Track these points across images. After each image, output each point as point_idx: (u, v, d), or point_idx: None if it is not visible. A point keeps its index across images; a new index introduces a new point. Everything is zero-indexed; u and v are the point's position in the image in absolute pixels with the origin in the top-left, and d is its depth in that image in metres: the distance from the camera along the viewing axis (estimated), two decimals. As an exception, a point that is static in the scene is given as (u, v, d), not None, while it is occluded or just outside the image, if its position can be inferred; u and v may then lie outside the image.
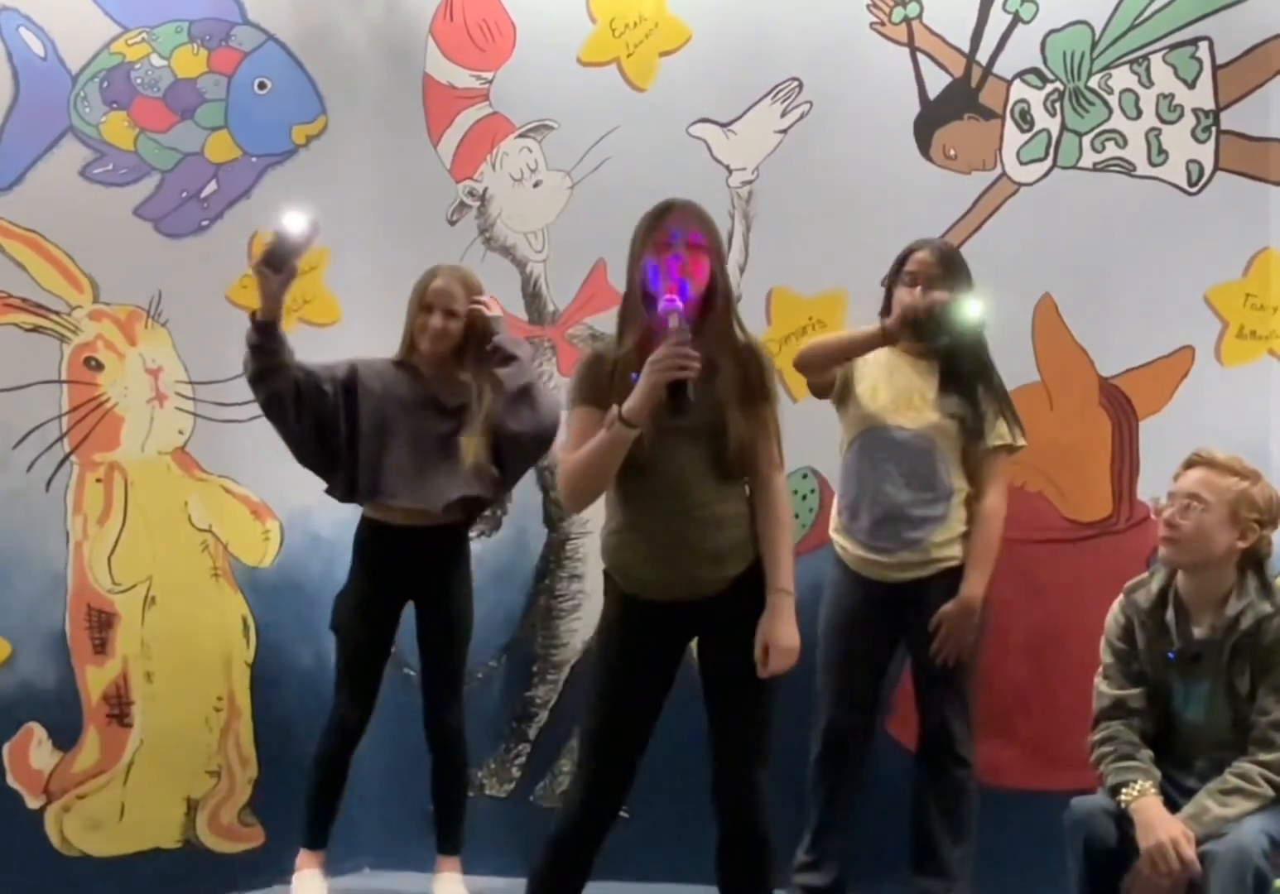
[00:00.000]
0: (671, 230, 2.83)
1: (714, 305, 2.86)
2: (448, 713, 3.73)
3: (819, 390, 3.62)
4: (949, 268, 3.51)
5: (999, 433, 3.53)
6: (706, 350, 2.75)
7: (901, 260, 3.55)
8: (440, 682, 3.73)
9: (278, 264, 3.38)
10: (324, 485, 3.72)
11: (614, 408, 2.73)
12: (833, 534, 3.66)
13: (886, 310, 3.57)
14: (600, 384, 2.84)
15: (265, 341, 3.47)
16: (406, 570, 3.66)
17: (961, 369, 3.53)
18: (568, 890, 2.94)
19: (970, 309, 3.28)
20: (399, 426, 3.65)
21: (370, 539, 3.72)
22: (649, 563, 2.85)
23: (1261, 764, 2.78)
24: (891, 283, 3.58)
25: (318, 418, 3.61)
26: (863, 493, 3.56)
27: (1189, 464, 2.99)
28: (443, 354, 3.71)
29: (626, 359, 2.82)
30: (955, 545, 3.52)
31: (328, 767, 3.69)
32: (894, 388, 3.57)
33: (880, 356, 3.60)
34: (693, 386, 2.67)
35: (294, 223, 3.37)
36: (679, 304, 2.71)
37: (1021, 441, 3.57)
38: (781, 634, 2.82)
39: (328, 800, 3.70)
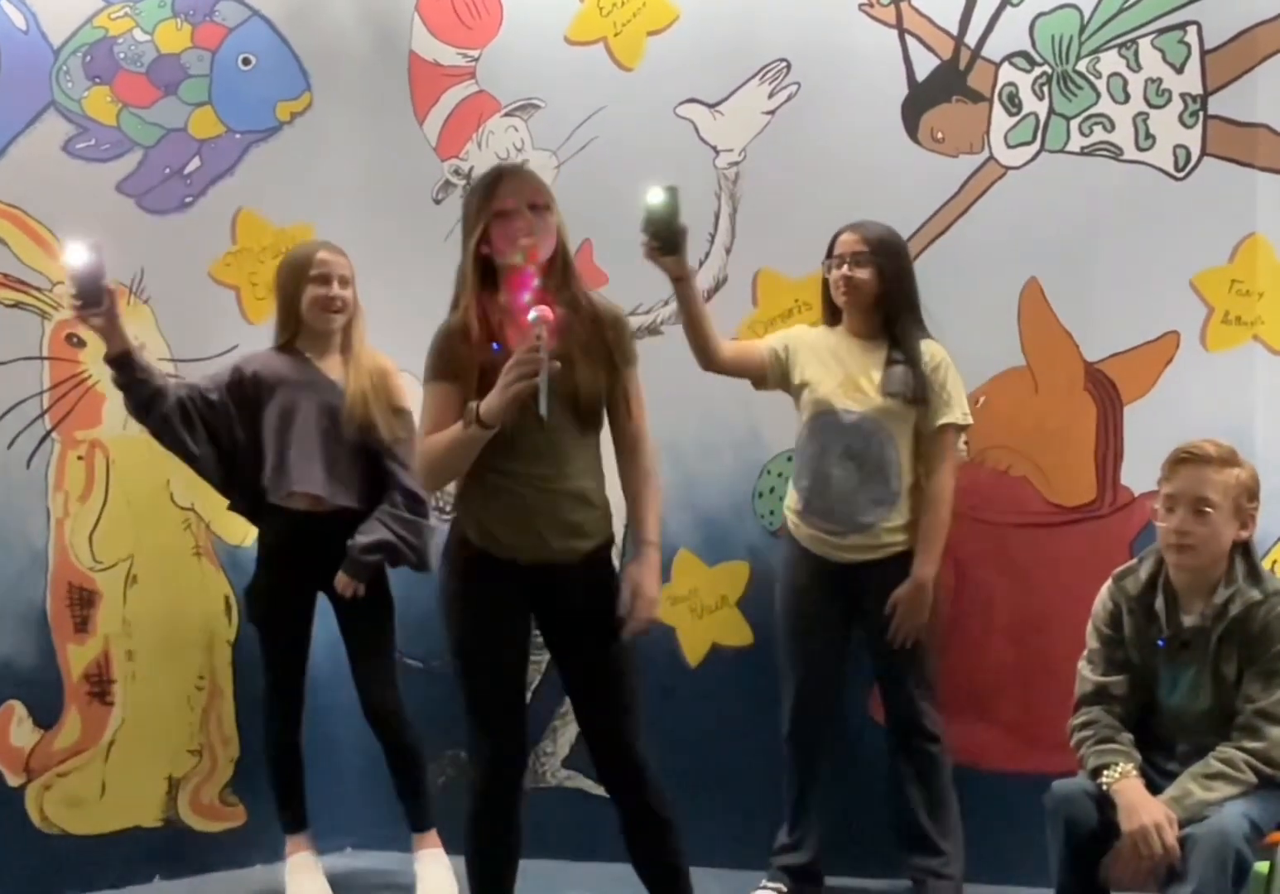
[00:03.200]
0: (508, 196, 2.82)
1: (558, 269, 2.85)
2: (380, 698, 3.71)
3: (755, 383, 3.68)
4: (876, 248, 3.54)
5: (944, 412, 3.55)
6: (559, 317, 2.73)
7: (831, 243, 3.61)
8: (368, 668, 3.72)
9: (91, 299, 3.29)
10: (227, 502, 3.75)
11: (471, 405, 2.73)
12: (786, 512, 3.69)
13: (825, 293, 3.66)
14: (449, 358, 2.83)
15: (129, 374, 3.45)
16: (315, 560, 3.64)
17: (904, 347, 3.54)
18: (507, 856, 2.95)
19: (650, 194, 3.09)
20: (299, 414, 3.64)
21: (277, 529, 3.70)
22: (503, 524, 2.85)
23: (1247, 751, 2.79)
24: (825, 266, 3.64)
25: (211, 431, 3.61)
26: (814, 476, 3.59)
27: (1179, 461, 2.93)
28: (334, 331, 3.69)
29: (461, 327, 2.82)
30: (903, 532, 3.55)
31: (279, 754, 3.72)
32: (841, 371, 3.59)
33: (829, 341, 3.64)
34: (546, 395, 2.63)
35: (75, 255, 3.25)
36: (548, 314, 2.66)
37: (968, 419, 3.58)
38: (647, 583, 2.82)
39: (290, 785, 3.73)
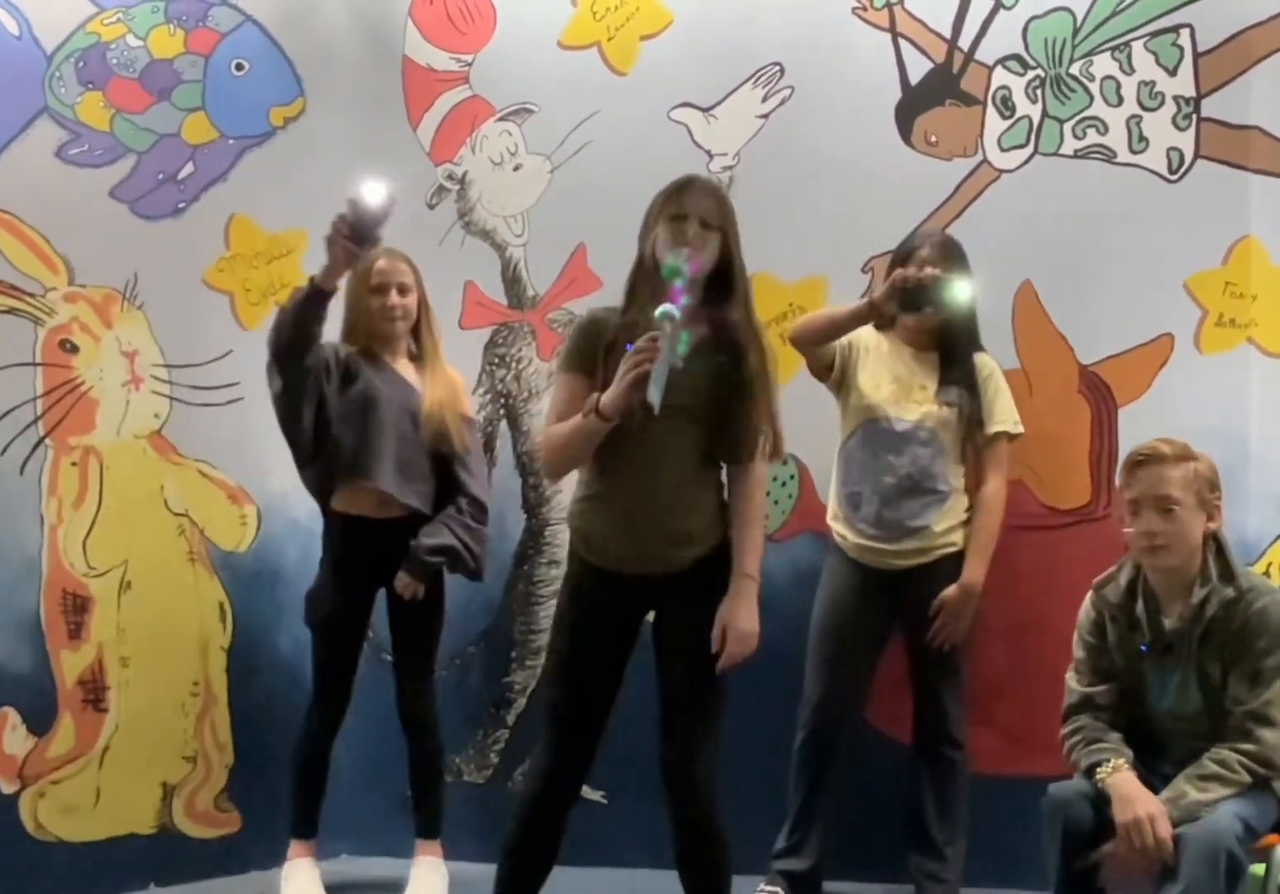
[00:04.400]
0: (687, 206, 2.83)
1: (732, 288, 2.85)
2: (420, 700, 3.73)
3: (816, 371, 3.63)
4: (947, 256, 3.52)
5: (998, 420, 3.56)
6: (716, 334, 2.76)
7: (906, 255, 3.56)
8: (412, 669, 3.73)
9: (361, 238, 3.25)
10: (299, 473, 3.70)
11: (593, 395, 2.73)
12: (831, 522, 3.68)
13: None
14: (592, 352, 2.83)
15: (316, 309, 3.40)
16: (378, 562, 3.64)
17: (959, 357, 3.54)
18: (538, 865, 2.94)
19: (959, 285, 3.25)
20: (379, 409, 3.63)
21: (340, 534, 3.69)
22: (615, 535, 2.85)
23: (1241, 753, 2.78)
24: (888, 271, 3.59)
25: (321, 401, 3.58)
26: (864, 483, 3.58)
27: (1135, 465, 2.92)
28: (400, 336, 3.69)
29: (628, 327, 2.80)
30: (956, 533, 3.56)
31: (311, 757, 3.70)
32: (895, 379, 3.58)
33: (883, 347, 3.62)
34: (659, 386, 2.63)
35: (373, 193, 3.22)
36: (676, 308, 2.66)
37: (1019, 429, 3.60)
38: (741, 618, 2.81)
39: (314, 791, 3.72)
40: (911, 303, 3.26)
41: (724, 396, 2.82)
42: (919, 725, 3.63)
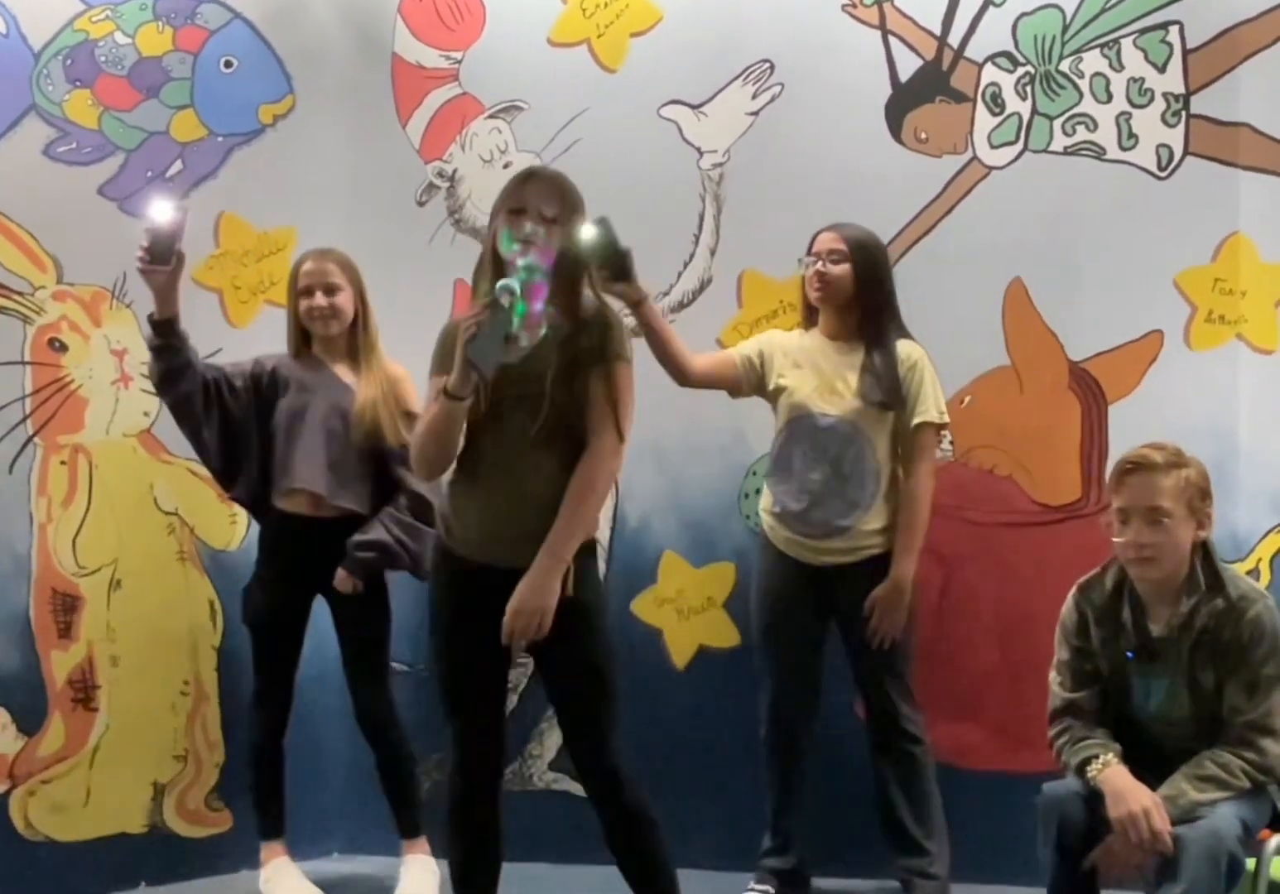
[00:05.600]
0: (524, 198, 2.84)
1: (558, 279, 2.81)
2: (373, 704, 3.71)
3: (733, 394, 3.68)
4: (855, 247, 3.54)
5: (920, 411, 3.55)
6: (552, 319, 2.75)
7: (811, 242, 3.61)
8: (362, 673, 3.72)
9: (161, 257, 3.31)
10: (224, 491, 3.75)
11: (441, 378, 2.76)
12: (762, 513, 3.69)
13: (804, 294, 3.66)
14: (450, 354, 2.81)
15: (167, 340, 3.45)
16: (313, 562, 3.63)
17: (880, 348, 3.54)
18: (487, 862, 2.95)
19: (581, 228, 3.01)
20: (308, 413, 3.64)
21: (276, 532, 3.70)
22: (472, 527, 2.85)
23: (1244, 760, 2.77)
24: (803, 265, 3.63)
25: (227, 418, 3.62)
26: (791, 479, 3.59)
27: (1125, 472, 2.86)
28: (335, 336, 3.70)
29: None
30: (881, 535, 3.55)
31: (263, 758, 3.71)
32: (818, 375, 3.59)
33: (806, 344, 3.64)
34: (485, 355, 2.64)
35: (160, 212, 3.29)
36: (512, 284, 2.65)
37: (944, 418, 3.58)
38: (522, 593, 2.77)
39: (272, 790, 3.72)
40: (612, 274, 3.16)
41: (569, 378, 2.81)
42: (872, 725, 3.62)
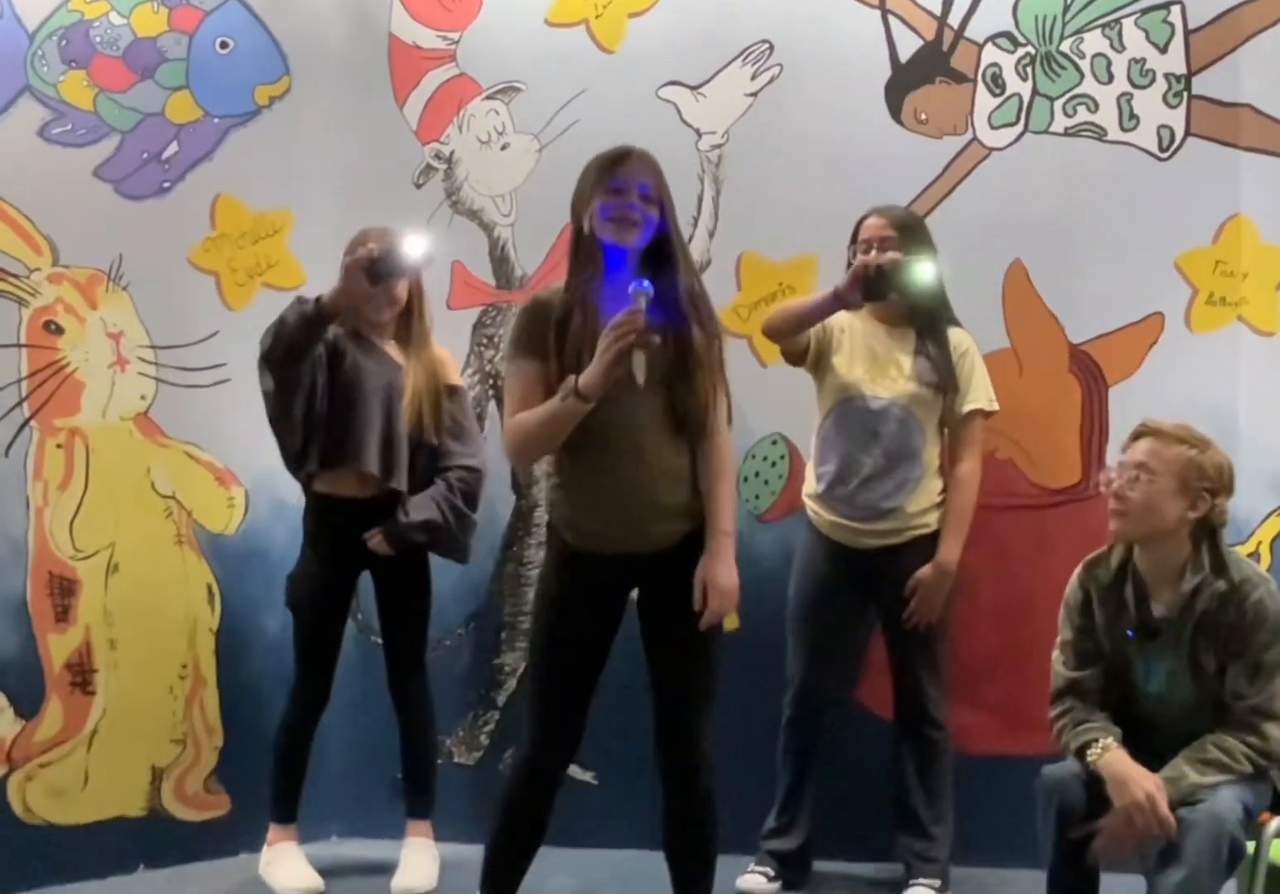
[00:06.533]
0: (623, 179, 2.82)
1: (672, 261, 2.82)
2: (412, 683, 3.72)
3: (791, 358, 3.61)
4: (904, 232, 3.52)
5: (973, 398, 3.55)
6: (666, 307, 2.74)
7: (856, 228, 3.57)
8: (402, 653, 3.73)
9: (378, 275, 3.28)
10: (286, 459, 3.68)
11: (570, 378, 2.71)
12: (806, 498, 3.67)
13: None
14: (541, 336, 2.79)
15: (318, 331, 3.40)
16: (357, 541, 3.62)
17: (933, 334, 3.53)
18: (526, 844, 2.93)
19: (922, 268, 3.21)
20: (363, 390, 3.61)
21: (320, 515, 3.68)
22: (599, 516, 2.82)
23: (1247, 744, 2.77)
24: (850, 251, 3.60)
25: (310, 396, 3.57)
26: (839, 462, 3.56)
27: (1136, 435, 2.93)
28: (388, 322, 3.68)
29: (577, 304, 2.78)
30: (930, 514, 3.55)
31: (294, 741, 3.69)
32: (870, 358, 3.57)
33: (856, 326, 3.60)
34: (641, 360, 2.65)
35: (414, 246, 3.26)
36: (649, 288, 2.67)
37: (995, 406, 3.58)
38: (720, 574, 2.80)
39: (295, 775, 3.71)
40: (876, 291, 3.21)
41: (683, 365, 2.79)
42: (899, 707, 3.63)
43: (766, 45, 3.96)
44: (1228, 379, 3.71)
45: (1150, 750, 2.83)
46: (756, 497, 3.89)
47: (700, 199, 3.98)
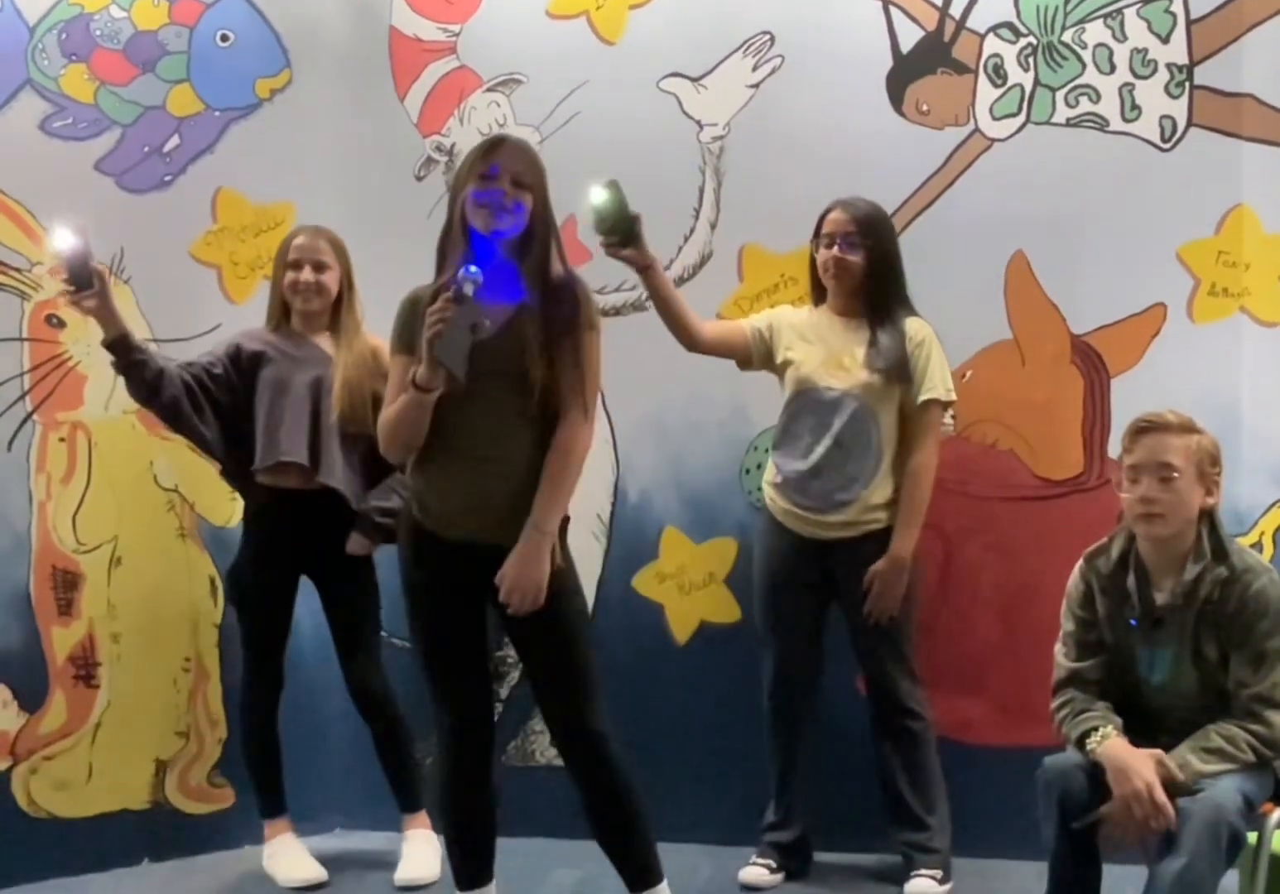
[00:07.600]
0: (494, 164, 2.82)
1: (530, 248, 2.82)
2: (367, 678, 3.72)
3: (741, 365, 3.66)
4: (865, 226, 3.52)
5: (928, 387, 3.53)
6: (527, 293, 2.76)
7: (820, 221, 3.59)
8: (351, 647, 3.73)
9: (82, 282, 3.29)
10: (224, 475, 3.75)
11: (412, 368, 2.73)
12: (764, 485, 3.68)
13: (813, 271, 3.63)
14: (412, 328, 2.80)
15: (128, 357, 3.43)
16: (297, 537, 3.64)
17: (888, 324, 3.53)
18: (477, 827, 2.95)
19: (594, 192, 3.09)
20: (291, 387, 3.63)
21: (260, 508, 3.69)
22: (453, 503, 2.82)
23: (1250, 733, 2.77)
24: (813, 245, 3.61)
25: (217, 407, 3.60)
26: (793, 451, 3.58)
27: (1139, 431, 2.90)
28: (316, 313, 3.69)
29: (426, 297, 2.79)
30: (882, 510, 3.54)
31: (253, 737, 3.72)
32: (824, 349, 3.57)
33: (811, 319, 3.63)
34: (461, 346, 2.64)
35: (61, 239, 3.28)
36: (478, 274, 2.67)
37: (952, 396, 3.57)
38: (511, 569, 2.77)
39: (269, 769, 3.73)
40: (620, 240, 3.16)
41: (537, 352, 2.78)
42: (874, 701, 3.62)
43: (768, 36, 3.95)
44: (1230, 370, 3.70)
45: (1154, 740, 2.83)
46: (758, 488, 3.88)
47: (701, 191, 3.98)
